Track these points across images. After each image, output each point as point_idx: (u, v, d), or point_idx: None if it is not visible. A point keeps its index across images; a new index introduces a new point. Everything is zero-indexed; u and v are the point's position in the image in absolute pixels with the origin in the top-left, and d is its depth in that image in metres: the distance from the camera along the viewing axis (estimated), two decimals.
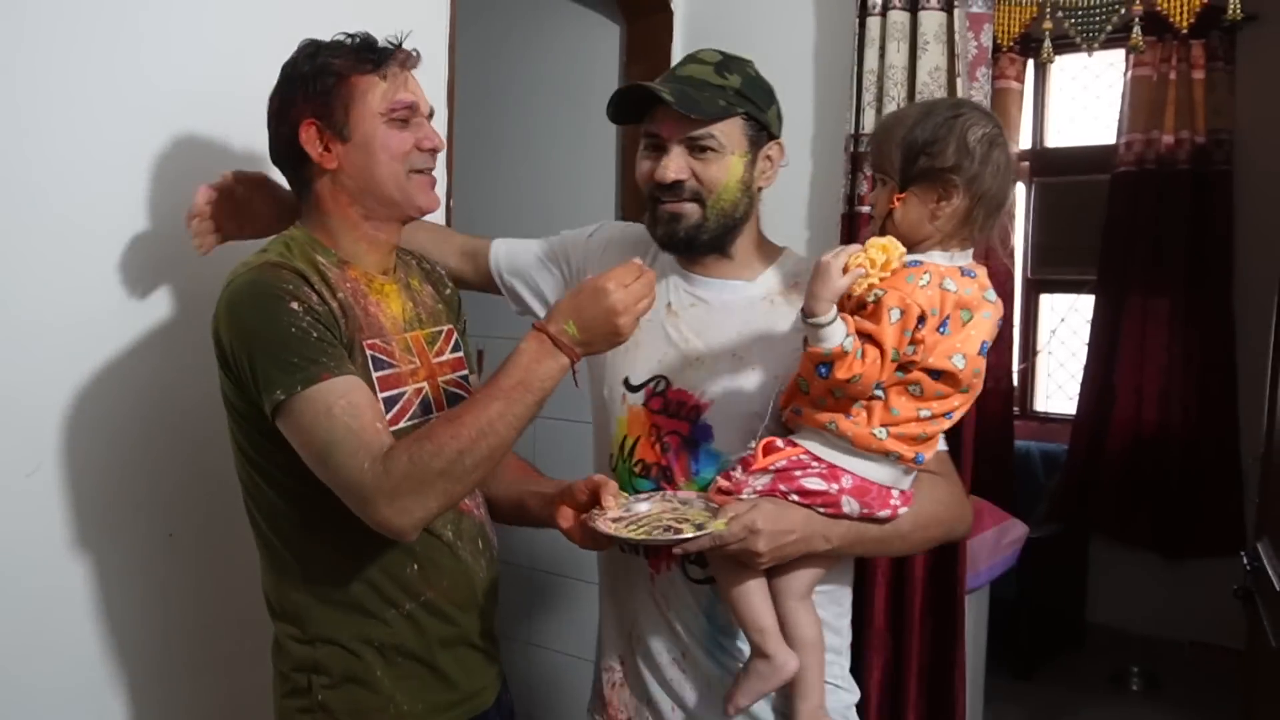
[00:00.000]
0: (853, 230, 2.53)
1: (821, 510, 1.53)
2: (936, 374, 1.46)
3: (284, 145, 1.60)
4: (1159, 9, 2.29)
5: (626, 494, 1.62)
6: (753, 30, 2.84)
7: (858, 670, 2.58)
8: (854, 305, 1.46)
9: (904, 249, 1.44)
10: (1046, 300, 5.53)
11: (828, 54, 2.74)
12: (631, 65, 3.09)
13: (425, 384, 1.63)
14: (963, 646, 2.52)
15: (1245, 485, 4.53)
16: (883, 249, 1.41)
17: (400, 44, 1.61)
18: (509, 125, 3.34)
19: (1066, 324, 5.42)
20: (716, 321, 1.70)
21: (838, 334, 1.41)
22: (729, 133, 1.64)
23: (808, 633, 1.57)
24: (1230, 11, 2.20)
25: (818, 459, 1.53)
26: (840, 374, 1.41)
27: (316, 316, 1.47)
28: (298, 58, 1.59)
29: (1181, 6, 2.26)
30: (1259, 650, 2.73)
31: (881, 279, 1.42)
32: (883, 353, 1.42)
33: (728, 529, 1.46)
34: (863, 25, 2.54)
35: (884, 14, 2.51)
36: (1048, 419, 5.50)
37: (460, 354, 1.74)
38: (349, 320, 1.53)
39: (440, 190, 2.26)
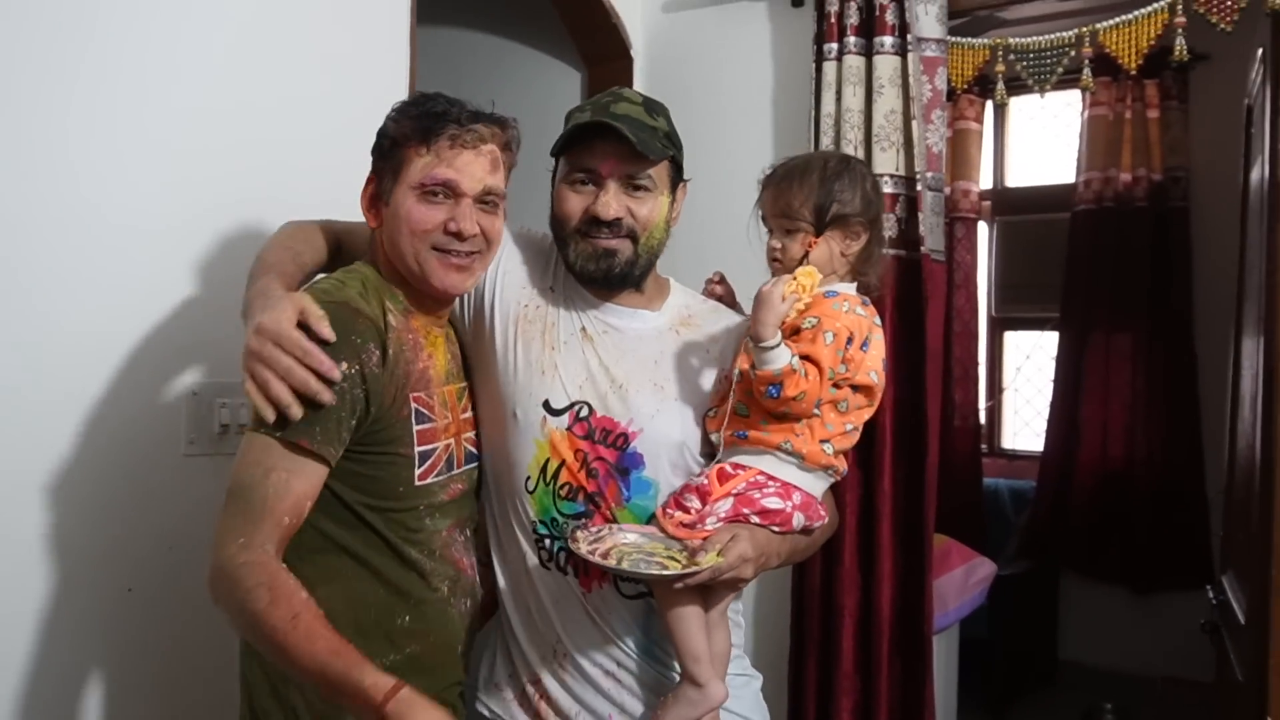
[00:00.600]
0: None
1: (776, 528, 1.63)
2: (856, 388, 1.65)
3: None
4: (1108, 51, 2.32)
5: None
6: (711, 76, 2.87)
7: (826, 713, 2.58)
8: (787, 330, 1.61)
9: (820, 275, 1.62)
10: (1011, 338, 5.58)
11: (785, 98, 2.77)
12: None
13: (453, 440, 1.66)
14: (931, 687, 2.51)
15: (1211, 518, 4.55)
16: (809, 275, 1.59)
17: (463, 119, 1.58)
18: None
19: (1031, 361, 5.46)
20: (633, 349, 1.74)
21: (784, 355, 1.56)
22: (660, 174, 1.70)
23: (723, 648, 1.66)
24: (1177, 53, 2.24)
25: (773, 478, 1.63)
26: (789, 391, 1.55)
27: (360, 382, 1.48)
28: (389, 112, 1.64)
29: (1130, 49, 2.30)
30: (1227, 684, 2.74)
31: (808, 305, 1.61)
32: (821, 371, 1.58)
33: (724, 561, 1.51)
34: (819, 70, 2.57)
35: (840, 59, 2.54)
36: (1015, 456, 5.52)
37: (476, 415, 1.75)
38: (397, 375, 1.54)
39: None
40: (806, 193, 1.68)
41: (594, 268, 1.70)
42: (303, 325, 1.45)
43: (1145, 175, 4.79)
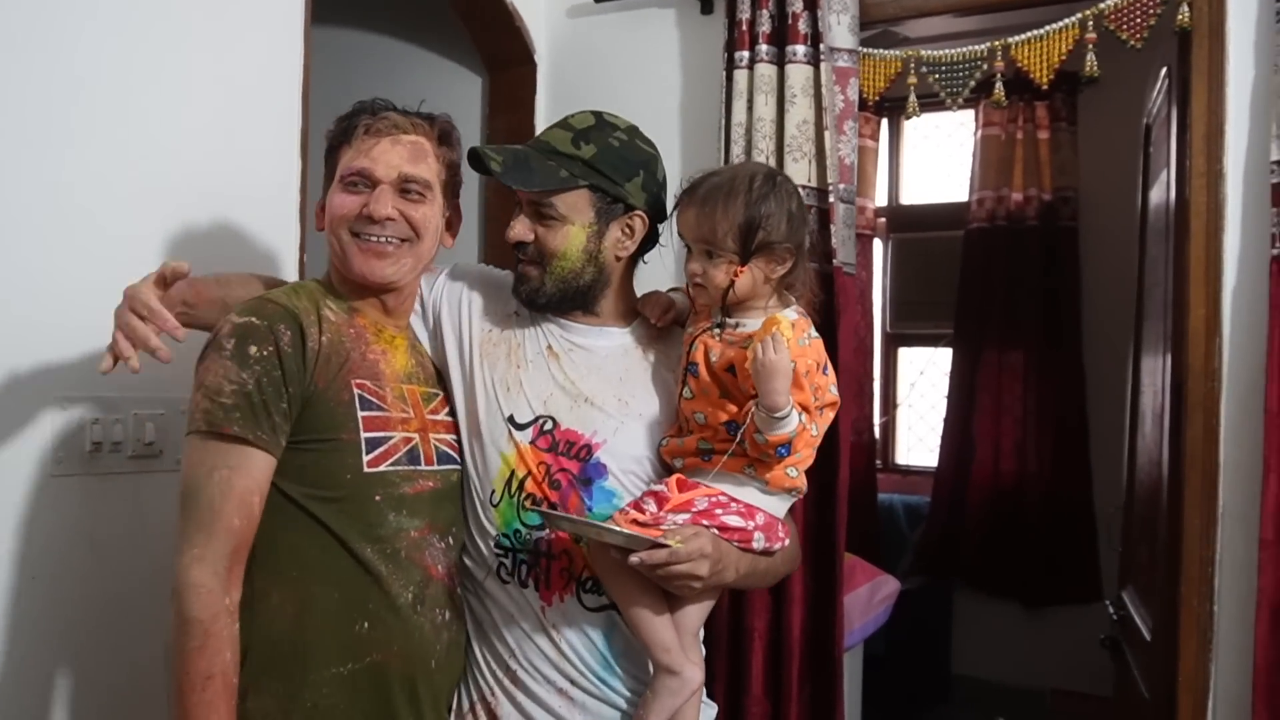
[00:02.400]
0: None
1: (736, 544, 1.62)
2: (822, 409, 1.64)
3: None
4: (1021, 66, 2.32)
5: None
6: (618, 83, 2.80)
7: None
8: (723, 365, 1.60)
9: (789, 319, 1.57)
10: (905, 354, 5.62)
11: (695, 107, 2.71)
12: (494, 117, 3.02)
13: (416, 435, 1.66)
14: (842, 708, 2.46)
15: (1100, 534, 4.63)
16: (778, 323, 1.52)
17: (375, 110, 1.66)
18: None
19: (925, 377, 5.51)
20: (598, 366, 1.75)
21: (795, 416, 1.53)
22: (572, 203, 1.70)
23: (698, 665, 1.65)
24: (1088, 69, 2.24)
25: (735, 499, 1.62)
26: (800, 446, 1.56)
27: (276, 364, 1.51)
28: None
29: (1041, 64, 2.29)
30: (1130, 699, 2.75)
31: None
32: (811, 414, 1.58)
33: (683, 548, 1.52)
34: (730, 78, 2.52)
35: (751, 67, 2.49)
36: (910, 471, 5.56)
37: (453, 421, 1.75)
38: (332, 360, 1.58)
39: (293, 243, 2.15)
40: (731, 219, 1.61)
41: (514, 288, 1.76)
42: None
43: (1036, 195, 4.87)
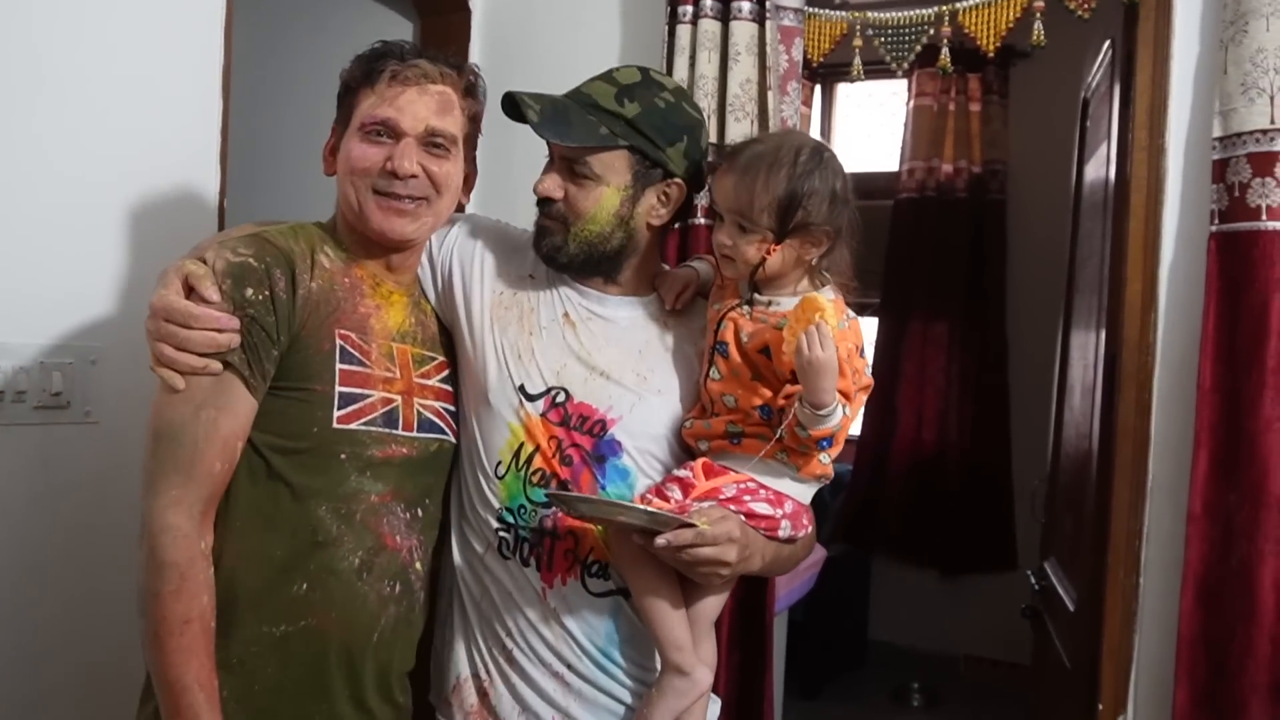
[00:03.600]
0: (683, 243, 2.42)
1: (763, 532, 1.56)
2: (858, 390, 1.54)
3: None
4: (968, 32, 2.28)
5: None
6: (556, 33, 2.71)
7: None
8: (756, 346, 1.51)
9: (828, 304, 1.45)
10: None
11: (636, 61, 2.59)
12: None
13: (399, 398, 1.58)
14: (771, 677, 2.44)
15: (1018, 505, 4.70)
16: (820, 309, 1.40)
17: (405, 55, 1.55)
18: (292, 122, 3.07)
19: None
20: (616, 338, 1.66)
21: (840, 410, 1.44)
22: (609, 163, 1.60)
23: (708, 659, 1.60)
24: (1035, 38, 2.21)
25: (764, 485, 1.55)
26: (842, 437, 1.48)
27: (270, 309, 1.44)
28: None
29: (989, 31, 2.26)
30: (1050, 668, 2.78)
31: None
32: (852, 401, 1.48)
33: (711, 529, 1.45)
34: (672, 33, 2.45)
35: (695, 22, 2.42)
36: None
37: (450, 389, 1.69)
38: (320, 308, 1.50)
39: (213, 187, 2.05)
40: (771, 193, 1.50)
41: (535, 244, 1.66)
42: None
43: (966, 167, 4.91)
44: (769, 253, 1.52)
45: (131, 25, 1.92)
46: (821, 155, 1.56)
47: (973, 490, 4.89)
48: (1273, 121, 1.91)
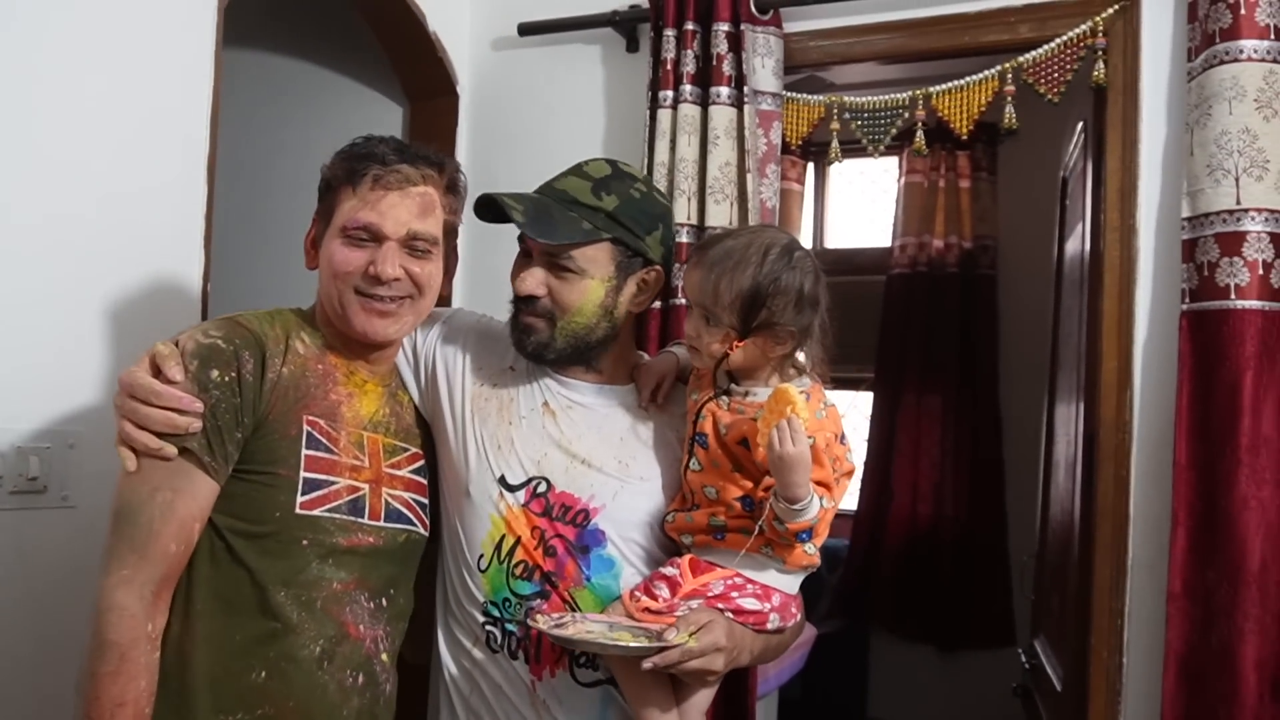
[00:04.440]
0: (641, 323, 2.45)
1: (751, 627, 1.55)
2: (839, 477, 1.57)
3: None
4: (941, 115, 2.33)
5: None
6: (541, 117, 2.76)
7: None
8: (735, 438, 1.51)
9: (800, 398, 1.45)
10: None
11: (618, 145, 2.68)
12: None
13: (366, 486, 1.57)
14: None
15: (1014, 579, 4.66)
16: (791, 403, 1.41)
17: (387, 160, 1.56)
18: (280, 207, 3.11)
19: (846, 420, 5.50)
20: (596, 425, 1.67)
21: (817, 502, 1.44)
22: (593, 256, 1.61)
23: None
24: (1006, 121, 2.26)
25: (751, 580, 1.55)
26: (822, 530, 1.47)
27: (235, 391, 1.45)
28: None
29: (961, 114, 2.31)
30: None
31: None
32: (833, 491, 1.49)
33: (697, 644, 1.44)
34: (654, 117, 2.49)
35: (675, 107, 2.47)
36: None
37: (423, 480, 1.69)
38: (289, 394, 1.51)
39: (196, 271, 2.08)
40: (735, 290, 1.51)
41: (515, 341, 1.66)
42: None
43: (957, 242, 4.94)
44: (732, 348, 1.53)
45: (117, 107, 1.95)
46: (791, 255, 1.56)
47: (969, 565, 4.85)
48: (1238, 202, 1.94)
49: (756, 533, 1.50)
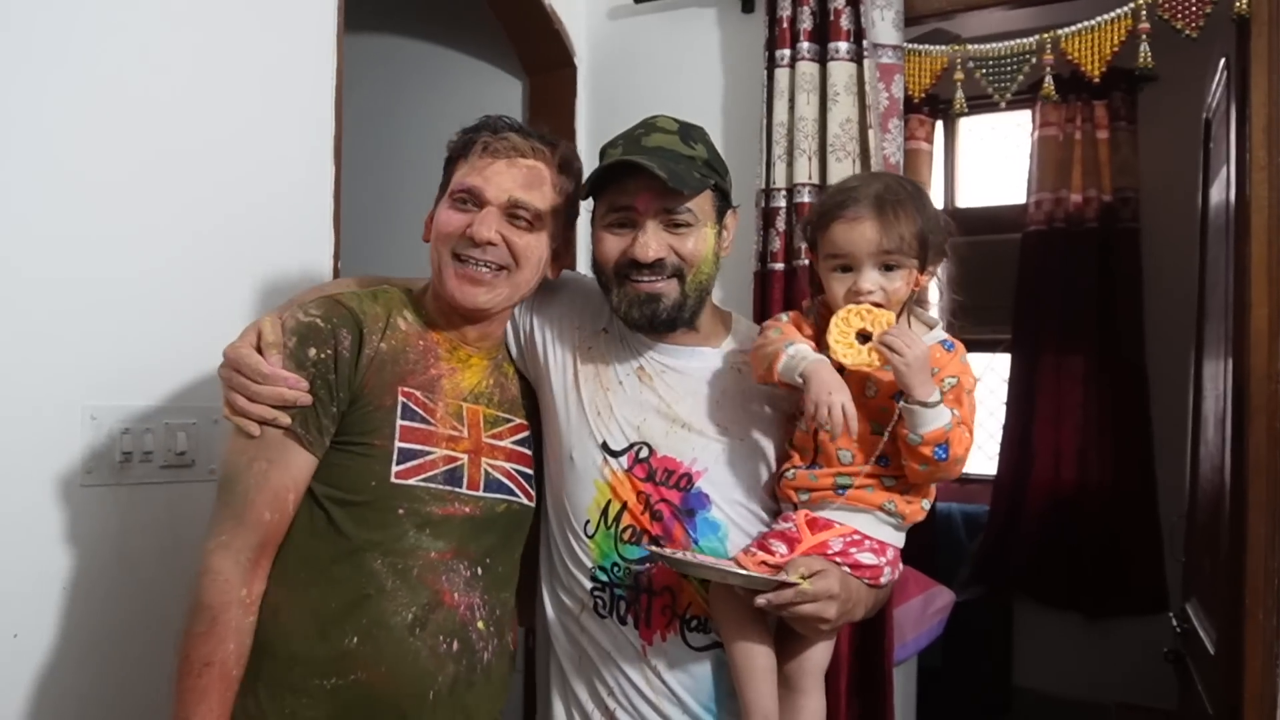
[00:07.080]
0: (765, 288, 2.42)
1: (867, 581, 1.54)
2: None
3: None
4: (1070, 58, 2.23)
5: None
6: (658, 84, 2.76)
7: None
8: (887, 393, 1.51)
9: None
10: None
11: (736, 107, 2.66)
12: (534, 121, 2.97)
13: (464, 456, 1.59)
14: None
15: (1166, 543, 4.48)
16: (884, 315, 1.49)
17: (498, 129, 1.60)
18: (407, 186, 3.18)
19: (984, 383, 5.38)
20: (694, 389, 1.65)
21: (946, 411, 1.45)
22: (702, 205, 1.60)
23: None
24: (1141, 60, 2.15)
25: (868, 536, 1.54)
26: (957, 450, 1.45)
27: (332, 368, 1.49)
28: None
29: (1093, 56, 2.21)
30: (1194, 714, 2.64)
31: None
32: (972, 432, 1.50)
33: (811, 587, 1.43)
34: (771, 77, 2.46)
35: (793, 65, 2.43)
36: (968, 480, 5.40)
37: (527, 451, 1.69)
38: (387, 368, 1.54)
39: (327, 252, 2.14)
40: (914, 229, 1.52)
41: (638, 314, 1.61)
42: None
43: (1095, 196, 4.75)
44: (918, 284, 1.55)
45: (245, 95, 2.03)
46: (914, 183, 1.60)
47: (1116, 529, 4.68)
48: None
49: (886, 438, 1.50)
